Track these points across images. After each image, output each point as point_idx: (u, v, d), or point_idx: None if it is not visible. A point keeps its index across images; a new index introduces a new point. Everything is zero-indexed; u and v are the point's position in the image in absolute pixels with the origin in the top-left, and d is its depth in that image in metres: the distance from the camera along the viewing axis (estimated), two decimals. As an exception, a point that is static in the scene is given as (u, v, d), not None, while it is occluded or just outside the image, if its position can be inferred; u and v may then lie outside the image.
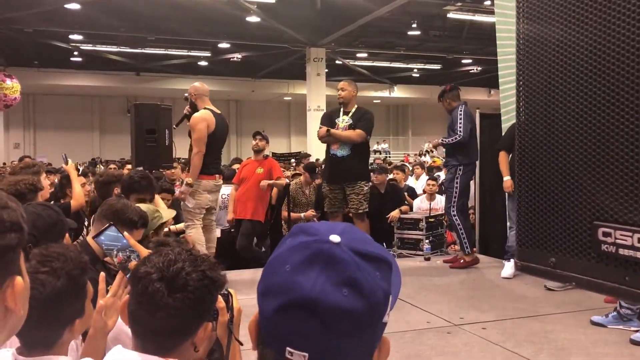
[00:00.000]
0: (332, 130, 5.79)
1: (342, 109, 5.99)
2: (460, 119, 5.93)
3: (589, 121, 0.93)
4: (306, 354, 0.73)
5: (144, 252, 1.85)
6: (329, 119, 5.98)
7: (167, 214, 3.44)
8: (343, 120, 5.89)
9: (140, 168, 5.26)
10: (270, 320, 0.74)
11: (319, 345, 0.73)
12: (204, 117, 5.28)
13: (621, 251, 0.85)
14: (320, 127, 5.89)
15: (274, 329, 0.74)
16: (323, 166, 6.35)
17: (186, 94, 5.62)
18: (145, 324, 1.31)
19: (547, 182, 1.00)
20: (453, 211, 6.00)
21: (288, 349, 0.73)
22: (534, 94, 1.06)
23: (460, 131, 5.86)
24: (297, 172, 9.56)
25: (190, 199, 5.21)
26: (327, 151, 5.96)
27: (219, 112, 5.52)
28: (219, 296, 1.48)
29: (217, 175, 5.46)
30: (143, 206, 3.18)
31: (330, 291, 0.72)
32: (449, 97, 6.16)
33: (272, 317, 0.74)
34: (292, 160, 13.92)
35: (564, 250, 0.95)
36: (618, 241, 0.85)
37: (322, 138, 5.87)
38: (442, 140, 6.14)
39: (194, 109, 5.44)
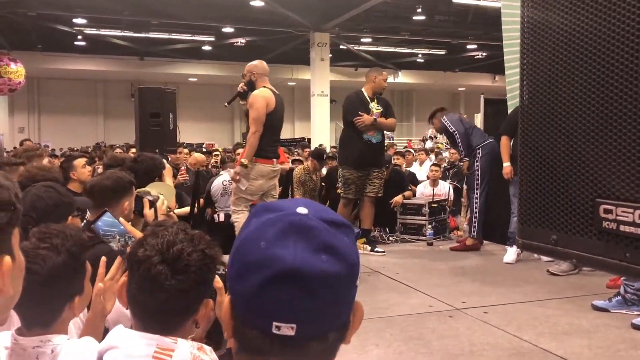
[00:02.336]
0: (378, 119, 5.84)
1: (367, 95, 6.02)
2: (446, 122, 6.35)
3: (591, 101, 0.93)
4: (294, 325, 0.73)
5: (140, 236, 1.87)
6: (362, 105, 5.96)
7: (168, 192, 3.43)
8: (374, 107, 5.96)
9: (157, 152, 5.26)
10: (253, 298, 0.74)
11: (305, 313, 0.74)
12: (264, 96, 4.98)
13: (622, 228, 0.86)
14: (360, 114, 5.86)
15: (259, 305, 0.74)
16: (345, 152, 6.27)
17: (242, 73, 5.32)
18: (147, 306, 1.31)
19: (549, 161, 1.01)
20: (476, 195, 6.16)
21: (275, 323, 0.73)
22: (538, 76, 1.07)
23: (453, 130, 6.17)
24: (297, 158, 9.58)
25: (244, 181, 4.91)
26: (359, 137, 5.93)
27: (277, 92, 5.25)
28: (217, 276, 1.49)
29: (274, 160, 5.12)
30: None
31: (310, 259, 0.74)
32: (437, 116, 6.52)
33: (255, 293, 0.74)
34: (288, 150, 13.89)
35: (566, 228, 0.96)
36: (619, 218, 0.87)
37: (366, 126, 5.85)
38: (461, 156, 6.60)
39: (251, 87, 5.15)
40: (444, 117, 6.44)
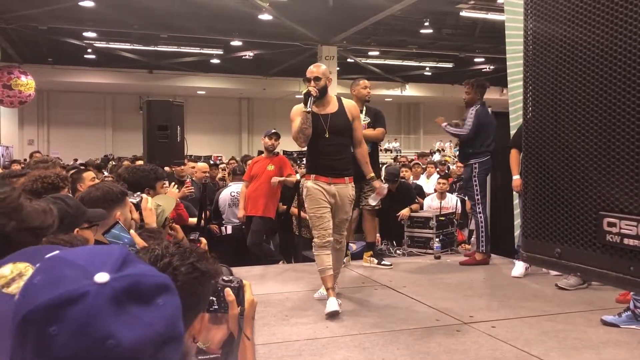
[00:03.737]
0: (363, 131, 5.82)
1: None
2: (472, 117, 6.08)
3: (595, 114, 0.93)
4: None
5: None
6: None
7: (168, 204, 3.45)
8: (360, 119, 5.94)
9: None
10: None
11: (178, 353, 0.71)
12: None
13: (626, 241, 0.85)
14: None
15: None
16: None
17: (313, 75, 4.53)
18: None
19: (552, 174, 1.00)
20: (478, 209, 6.09)
21: None
22: (542, 90, 1.07)
23: (468, 128, 5.99)
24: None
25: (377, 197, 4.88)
26: None
27: None
28: (228, 289, 1.47)
29: None
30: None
31: (157, 314, 0.67)
32: (474, 88, 6.26)
33: None
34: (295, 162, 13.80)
35: (569, 241, 0.95)
36: (623, 231, 0.86)
37: None
38: (447, 127, 6.30)
39: (323, 94, 4.57)
40: (478, 106, 6.14)
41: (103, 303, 0.64)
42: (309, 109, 4.37)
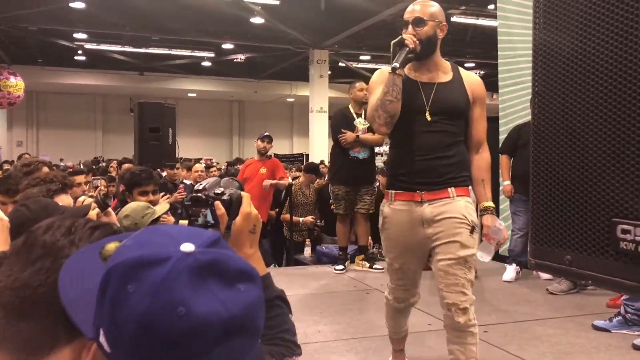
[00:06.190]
0: (362, 136, 5.79)
1: (353, 111, 6.01)
2: None
3: (607, 119, 0.92)
4: None
5: None
6: (346, 122, 5.95)
7: (160, 208, 3.43)
8: (360, 123, 5.92)
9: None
10: None
11: (251, 352, 0.68)
12: None
13: (641, 249, 0.84)
14: (343, 132, 5.82)
15: None
16: (333, 168, 6.29)
17: (413, 16, 2.85)
18: None
19: (563, 179, 0.99)
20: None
21: None
22: (550, 98, 1.06)
23: None
24: (297, 175, 9.59)
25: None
26: (345, 154, 5.90)
27: None
28: (218, 202, 1.31)
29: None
30: (133, 204, 3.20)
31: (234, 297, 0.65)
32: None
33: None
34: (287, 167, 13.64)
35: (581, 248, 0.94)
36: (638, 238, 0.85)
37: (349, 143, 5.82)
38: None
39: (430, 49, 2.83)
40: None
41: (183, 270, 0.64)
42: (396, 64, 2.68)
